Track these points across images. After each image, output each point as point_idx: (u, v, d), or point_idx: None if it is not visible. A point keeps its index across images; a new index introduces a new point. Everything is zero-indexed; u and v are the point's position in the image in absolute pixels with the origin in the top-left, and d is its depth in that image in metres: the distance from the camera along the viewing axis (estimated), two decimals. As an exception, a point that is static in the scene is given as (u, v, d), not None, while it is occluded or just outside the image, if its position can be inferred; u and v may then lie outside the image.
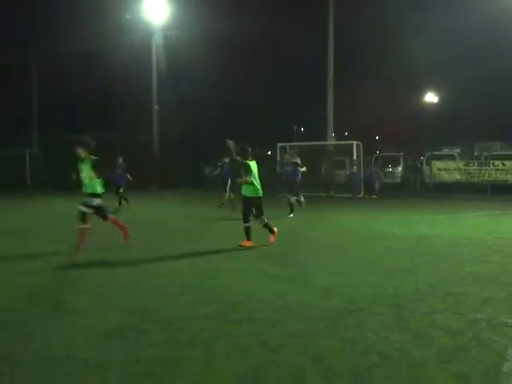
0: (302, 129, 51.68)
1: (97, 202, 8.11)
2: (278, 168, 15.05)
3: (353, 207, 17.32)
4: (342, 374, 3.54)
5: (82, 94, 34.39)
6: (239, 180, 8.80)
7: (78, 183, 8.24)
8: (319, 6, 25.78)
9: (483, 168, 22.93)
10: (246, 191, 8.72)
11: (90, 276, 6.56)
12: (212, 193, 17.02)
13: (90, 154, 8.16)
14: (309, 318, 4.72)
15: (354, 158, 23.41)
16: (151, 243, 9.25)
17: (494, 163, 22.81)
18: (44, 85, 32.91)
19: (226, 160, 15.89)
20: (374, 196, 21.29)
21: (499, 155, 23.93)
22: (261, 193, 8.74)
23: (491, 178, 22.66)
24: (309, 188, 21.15)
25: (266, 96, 40.02)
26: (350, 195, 22.00)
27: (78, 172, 8.25)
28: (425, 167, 26.66)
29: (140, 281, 6.23)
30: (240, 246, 8.47)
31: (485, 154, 25.03)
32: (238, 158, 8.84)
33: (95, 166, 8.05)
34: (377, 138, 57.46)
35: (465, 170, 23.39)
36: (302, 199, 14.52)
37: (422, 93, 46.54)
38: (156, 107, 29.89)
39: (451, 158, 25.88)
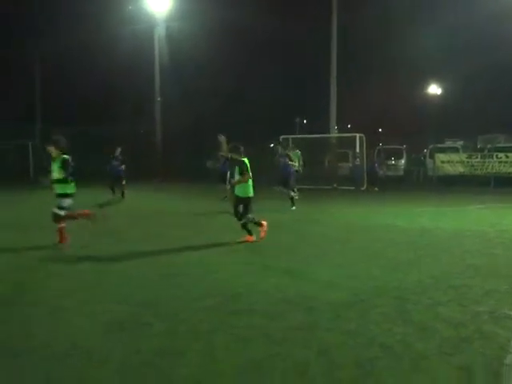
0: (305, 121, 51.49)
1: (68, 202, 7.88)
2: (275, 159, 14.72)
3: (356, 200, 17.30)
4: (346, 366, 3.55)
5: (84, 86, 34.32)
6: (238, 179, 8.43)
7: (50, 182, 7.94)
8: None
9: (486, 160, 22.85)
10: (237, 190, 8.53)
11: (91, 269, 6.58)
12: (214, 186, 16.99)
13: (62, 152, 7.92)
14: (311, 311, 4.73)
15: (357, 150, 23.34)
16: (153, 236, 9.26)
17: (497, 155, 22.73)
18: (47, 77, 32.85)
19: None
20: (376, 188, 21.24)
21: (503, 147, 23.81)
22: (251, 193, 8.51)
23: (494, 171, 22.59)
24: (312, 180, 21.18)
25: (268, 88, 39.89)
26: (353, 188, 21.97)
27: (49, 171, 8.00)
28: (428, 160, 26.54)
29: (142, 273, 6.25)
30: (245, 241, 8.39)
31: (488, 146, 24.92)
32: (229, 156, 8.71)
33: (65, 166, 7.79)
34: (380, 130, 57.28)
35: (468, 162, 23.31)
36: (292, 194, 13.96)
37: (425, 85, 46.31)
38: (159, 99, 29.83)
39: (454, 150, 25.77)
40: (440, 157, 24.20)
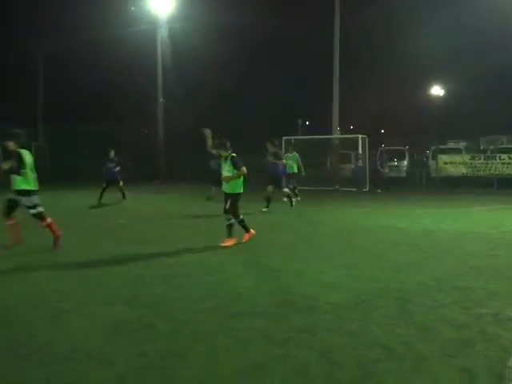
0: (307, 122, 51.51)
1: (25, 199, 7.58)
2: (264, 159, 13.93)
3: (358, 201, 17.28)
4: (347, 367, 3.54)
5: (86, 87, 34.37)
6: (234, 173, 8.03)
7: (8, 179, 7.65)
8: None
9: (489, 162, 22.79)
10: (225, 186, 8.20)
11: (91, 270, 6.57)
12: (217, 187, 16.96)
13: (20, 146, 7.62)
14: (313, 312, 4.72)
15: (360, 151, 23.30)
16: (154, 237, 9.25)
17: (500, 157, 22.67)
18: (49, 77, 32.90)
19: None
20: (378, 190, 21.17)
21: (505, 149, 23.74)
22: (240, 189, 8.20)
23: (497, 172, 22.52)
24: (314, 182, 21.17)
25: (271, 89, 39.92)
26: (355, 189, 21.93)
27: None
28: (430, 161, 26.48)
29: (142, 275, 6.23)
30: (245, 241, 8.30)
31: (491, 147, 24.85)
32: (215, 151, 8.36)
33: (21, 161, 7.45)
34: (382, 131, 57.24)
35: (471, 163, 23.25)
36: (287, 191, 13.74)
37: (427, 86, 46.26)
38: (161, 100, 29.85)
39: (457, 151, 25.71)
40: (443, 158, 24.14)
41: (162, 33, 29.29)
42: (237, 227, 8.32)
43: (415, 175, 28.28)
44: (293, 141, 21.26)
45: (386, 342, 3.96)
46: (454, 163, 23.66)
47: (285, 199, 13.98)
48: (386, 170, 23.52)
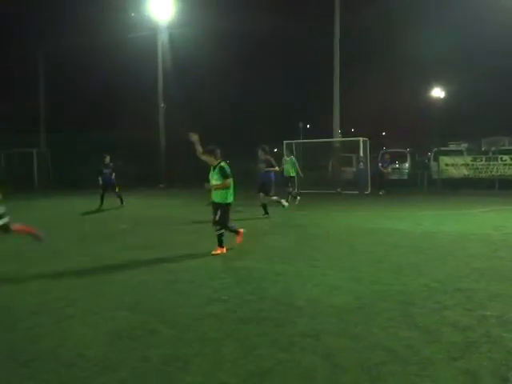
0: (308, 125, 51.56)
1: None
2: (256, 167, 13.55)
3: (360, 204, 17.26)
4: (351, 371, 3.53)
5: (88, 93, 34.48)
6: (218, 184, 7.79)
7: None
8: (326, 1, 25.65)
9: (491, 163, 22.77)
10: (214, 196, 7.90)
11: (93, 276, 6.57)
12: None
13: None
14: (317, 316, 4.71)
15: (361, 154, 23.31)
16: (156, 242, 9.26)
17: (501, 158, 22.65)
18: (50, 84, 33.00)
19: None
20: (380, 193, 21.14)
21: (507, 150, 23.74)
22: (230, 199, 7.92)
23: (499, 173, 22.50)
24: (316, 185, 21.18)
25: (271, 92, 40.00)
26: (357, 192, 21.92)
27: None
28: (432, 163, 26.47)
29: (145, 280, 6.24)
30: (213, 253, 7.79)
31: (492, 149, 24.83)
32: (204, 158, 7.98)
33: None
34: (383, 134, 57.26)
35: (472, 165, 23.22)
36: (275, 198, 13.30)
37: (428, 88, 46.23)
38: (162, 105, 29.90)
39: (459, 153, 25.71)
40: (444, 160, 24.12)
41: (163, 38, 29.39)
42: (225, 239, 8.05)
43: (417, 177, 28.26)
44: (294, 145, 21.30)
45: (390, 345, 3.95)
46: (455, 165, 23.63)
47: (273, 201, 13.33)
48: (389, 170, 23.45)
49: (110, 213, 14.47)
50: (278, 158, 16.49)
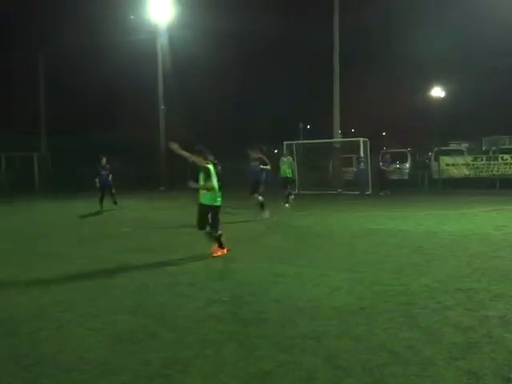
0: (309, 126, 51.56)
1: None
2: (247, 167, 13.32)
3: (360, 204, 17.24)
4: (354, 373, 3.52)
5: (87, 96, 34.52)
6: (202, 185, 7.78)
7: None
8: (326, 1, 25.63)
9: (492, 162, 22.72)
10: (203, 198, 7.86)
11: (93, 280, 6.56)
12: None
13: None
14: (319, 317, 4.70)
15: (361, 154, 23.28)
16: (156, 245, 9.25)
17: (502, 157, 22.61)
18: (50, 86, 33.04)
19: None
20: (381, 193, 21.08)
21: (508, 149, 23.69)
22: (219, 202, 7.91)
23: (500, 173, 22.45)
24: (316, 185, 21.16)
25: (271, 93, 40.02)
26: (358, 192, 21.88)
27: None
28: (433, 163, 26.43)
29: (150, 283, 6.23)
30: (214, 255, 7.80)
31: (493, 148, 24.78)
32: (194, 159, 7.83)
33: None
34: (384, 134, 57.23)
35: (473, 164, 23.18)
36: (261, 199, 12.70)
37: (428, 88, 46.25)
38: (163, 107, 29.91)
39: (459, 153, 25.67)
40: (445, 159, 24.08)
41: (162, 41, 29.40)
42: (227, 235, 8.07)
43: (417, 177, 28.25)
44: (294, 146, 21.30)
45: (392, 346, 3.94)
46: (456, 165, 23.59)
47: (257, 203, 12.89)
48: (392, 168, 23.38)
49: (110, 215, 14.47)
50: (278, 159, 16.50)
